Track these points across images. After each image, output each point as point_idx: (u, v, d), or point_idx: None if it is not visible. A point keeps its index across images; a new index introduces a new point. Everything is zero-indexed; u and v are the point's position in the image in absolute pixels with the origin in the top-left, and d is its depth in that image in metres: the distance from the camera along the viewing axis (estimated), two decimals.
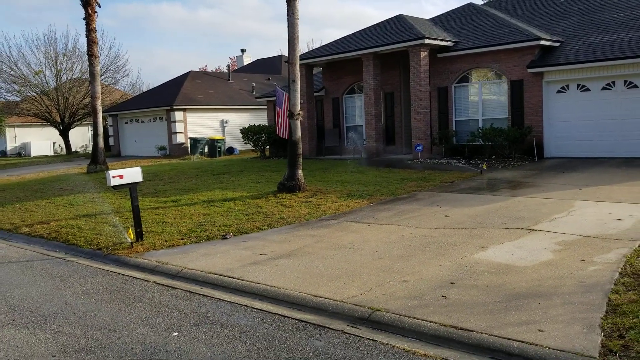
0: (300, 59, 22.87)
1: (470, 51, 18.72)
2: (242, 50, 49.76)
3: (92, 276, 7.65)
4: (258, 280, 6.65)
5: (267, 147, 24.79)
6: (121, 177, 9.01)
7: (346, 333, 5.04)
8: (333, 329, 5.14)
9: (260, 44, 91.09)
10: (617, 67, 15.90)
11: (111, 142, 35.98)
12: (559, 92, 17.40)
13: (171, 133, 31.38)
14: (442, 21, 21.91)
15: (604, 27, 18.22)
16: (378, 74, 19.91)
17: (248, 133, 24.56)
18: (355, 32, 22.22)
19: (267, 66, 44.55)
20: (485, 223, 9.00)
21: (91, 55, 21.94)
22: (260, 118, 31.82)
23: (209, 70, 55.51)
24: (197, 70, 43.56)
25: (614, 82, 16.28)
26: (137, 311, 5.96)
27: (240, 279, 6.80)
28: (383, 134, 20.79)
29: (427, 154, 18.70)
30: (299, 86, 13.10)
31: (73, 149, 43.24)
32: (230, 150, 31.35)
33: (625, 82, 16.05)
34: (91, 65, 22.15)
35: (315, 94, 23.10)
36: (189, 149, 30.36)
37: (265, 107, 29.36)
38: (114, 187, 9.04)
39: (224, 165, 21.46)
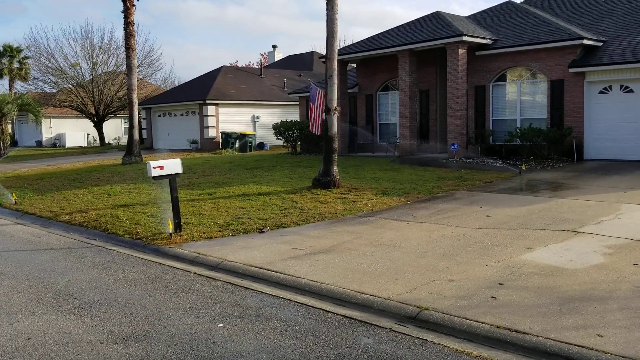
0: None
1: (510, 49, 18.36)
2: (274, 46, 49.90)
3: (133, 265, 7.69)
4: (299, 275, 6.59)
5: (299, 143, 24.75)
6: (162, 168, 9.06)
7: (394, 331, 4.93)
8: (380, 327, 5.03)
9: (288, 41, 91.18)
10: None
11: (144, 134, 36.40)
12: (600, 92, 16.94)
13: (203, 127, 31.58)
14: (479, 19, 21.53)
15: None
16: (414, 71, 19.68)
17: (280, 128, 24.56)
18: (390, 29, 22.00)
19: (298, 62, 44.55)
20: (528, 224, 8.78)
21: (128, 47, 22.18)
22: (292, 114, 31.80)
23: (239, 66, 55.75)
24: (229, 65, 43.76)
25: None
26: (180, 301, 5.95)
27: (282, 273, 6.74)
28: (417, 132, 20.54)
29: (462, 153, 18.41)
30: (336, 82, 13.01)
31: (106, 141, 43.91)
32: (261, 146, 31.44)
33: None
34: (128, 58, 22.40)
35: (349, 91, 22.96)
36: (220, 144, 30.55)
37: (297, 103, 29.36)
38: (155, 177, 9.09)
39: (256, 160, 21.50)
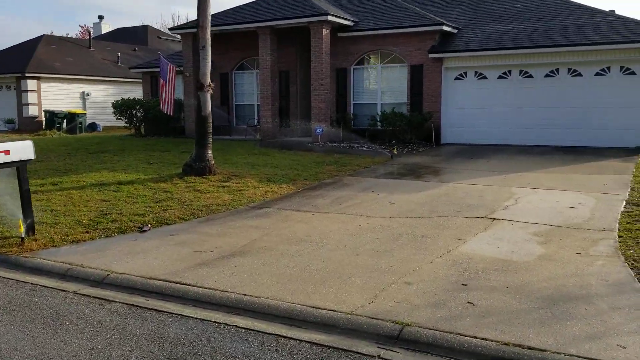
0: (185, 28, 20.88)
1: (372, 32, 18.21)
2: (100, 17, 45.08)
3: None
4: (224, 288, 5.28)
5: (143, 124, 22.36)
6: (7, 153, 6.97)
7: (385, 359, 3.95)
8: (365, 354, 4.02)
9: (107, 15, 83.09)
10: (514, 56, 16.33)
11: None
12: (457, 79, 17.55)
13: (22, 104, 27.31)
14: (335, 0, 21.17)
15: (497, 17, 18.73)
16: (275, 49, 18.64)
17: (121, 107, 21.90)
18: (247, 4, 20.69)
19: (130, 36, 40.81)
20: (438, 211, 8.36)
21: None
22: (129, 91, 28.88)
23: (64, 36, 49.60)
24: (51, 34, 38.45)
25: (510, 71, 16.74)
26: (74, 339, 4.32)
27: (199, 286, 5.36)
28: (278, 115, 19.59)
29: (326, 137, 17.90)
30: (209, 53, 11.48)
31: None
32: (93, 127, 28.09)
33: (520, 71, 16.56)
34: None
35: None
36: (44, 124, 26.75)
37: (135, 79, 26.72)
38: None
39: (96, 142, 18.86)
